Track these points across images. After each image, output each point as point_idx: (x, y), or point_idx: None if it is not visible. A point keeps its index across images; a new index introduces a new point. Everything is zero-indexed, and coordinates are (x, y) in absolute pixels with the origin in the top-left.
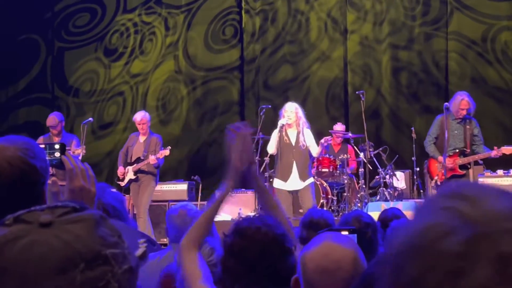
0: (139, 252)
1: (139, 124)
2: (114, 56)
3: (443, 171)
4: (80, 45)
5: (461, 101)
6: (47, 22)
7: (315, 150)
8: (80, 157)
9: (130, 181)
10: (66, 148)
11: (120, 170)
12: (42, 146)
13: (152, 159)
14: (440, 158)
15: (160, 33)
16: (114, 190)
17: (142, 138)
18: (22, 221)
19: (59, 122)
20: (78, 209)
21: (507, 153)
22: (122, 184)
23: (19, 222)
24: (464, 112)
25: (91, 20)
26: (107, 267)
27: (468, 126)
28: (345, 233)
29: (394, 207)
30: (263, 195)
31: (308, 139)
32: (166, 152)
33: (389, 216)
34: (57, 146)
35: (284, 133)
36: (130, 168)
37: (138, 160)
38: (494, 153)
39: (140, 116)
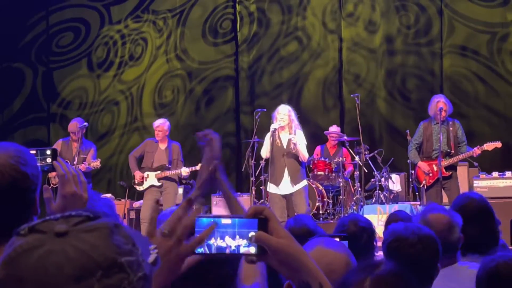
0: (151, 258)
1: (156, 130)
2: (104, 67)
3: (426, 173)
4: (68, 63)
5: (437, 103)
6: (30, 45)
7: (303, 154)
8: (93, 168)
9: (150, 186)
10: (82, 155)
11: (139, 174)
12: (33, 152)
13: (185, 171)
14: (420, 163)
15: (151, 36)
16: (104, 196)
17: (162, 146)
18: (37, 231)
19: (80, 129)
20: (92, 217)
21: (489, 149)
22: (141, 188)
23: (35, 232)
24: (444, 114)
25: (75, 37)
26: (123, 274)
27: (451, 128)
28: (336, 239)
29: (402, 210)
30: (229, 202)
31: (299, 140)
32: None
33: (403, 218)
34: (48, 152)
35: (276, 137)
36: (151, 174)
37: (162, 168)
38: (476, 151)
39: (158, 122)
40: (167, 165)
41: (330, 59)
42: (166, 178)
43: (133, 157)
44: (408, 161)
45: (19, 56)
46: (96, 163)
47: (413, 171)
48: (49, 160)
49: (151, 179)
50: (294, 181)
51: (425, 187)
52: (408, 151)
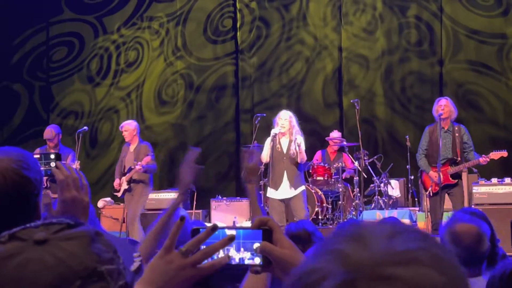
0: (134, 266)
1: (122, 131)
2: (101, 75)
3: (435, 182)
4: (66, 76)
5: (439, 101)
6: (28, 61)
7: (300, 156)
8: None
9: (125, 191)
10: (62, 162)
11: (116, 182)
12: (37, 156)
13: (137, 168)
14: (431, 173)
15: (147, 40)
16: (103, 200)
17: (132, 148)
18: (17, 238)
19: (56, 135)
20: (73, 225)
21: (495, 158)
22: (119, 195)
23: (14, 239)
24: (445, 114)
25: (72, 50)
26: (102, 283)
27: (457, 134)
28: None
29: (392, 216)
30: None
31: (301, 140)
32: (148, 159)
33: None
34: (52, 156)
35: (277, 142)
36: (124, 178)
37: (130, 170)
38: (483, 160)
39: (123, 123)
40: (132, 167)
41: (330, 64)
42: (134, 180)
43: (118, 165)
44: (407, 166)
45: (15, 71)
46: (75, 165)
47: (412, 177)
48: (53, 164)
49: (124, 183)
50: (293, 185)
51: (431, 194)
52: (417, 159)
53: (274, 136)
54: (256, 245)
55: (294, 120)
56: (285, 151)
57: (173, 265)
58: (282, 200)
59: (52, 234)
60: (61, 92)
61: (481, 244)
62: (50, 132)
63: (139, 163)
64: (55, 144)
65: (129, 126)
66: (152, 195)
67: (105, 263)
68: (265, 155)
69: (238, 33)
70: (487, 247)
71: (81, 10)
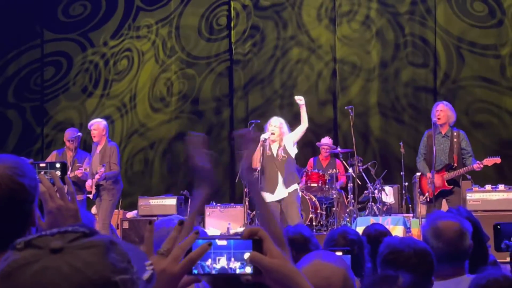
0: (146, 275)
1: (91, 130)
2: (95, 86)
3: (431, 187)
4: (57, 94)
5: (436, 106)
6: (7, 83)
7: (301, 127)
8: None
9: (95, 194)
10: (78, 164)
11: (87, 183)
12: (43, 165)
13: (97, 177)
14: (429, 174)
15: (137, 48)
16: (85, 210)
17: (99, 148)
18: (33, 246)
19: (76, 138)
20: (88, 234)
21: (489, 164)
22: (91, 197)
23: (30, 247)
24: (442, 119)
25: (60, 68)
26: None
27: (455, 139)
28: (339, 253)
29: (376, 223)
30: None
31: (288, 140)
32: (101, 172)
33: (372, 233)
34: (58, 165)
35: (267, 147)
36: (91, 181)
37: (97, 173)
38: (477, 166)
39: (93, 121)
40: (98, 171)
41: (324, 71)
42: (100, 186)
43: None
44: (401, 173)
45: (4, 95)
46: (103, 170)
47: (406, 183)
48: (58, 173)
49: (93, 188)
50: (287, 184)
51: (428, 199)
52: (417, 162)
53: (264, 141)
54: (247, 255)
55: (284, 127)
56: (275, 155)
57: (156, 269)
58: (279, 201)
59: (68, 242)
60: (55, 109)
61: (463, 239)
62: (71, 133)
63: (98, 172)
64: (75, 146)
65: (98, 125)
66: (146, 201)
67: (119, 273)
68: (255, 160)
69: (232, 34)
70: (469, 244)
71: (68, 28)
